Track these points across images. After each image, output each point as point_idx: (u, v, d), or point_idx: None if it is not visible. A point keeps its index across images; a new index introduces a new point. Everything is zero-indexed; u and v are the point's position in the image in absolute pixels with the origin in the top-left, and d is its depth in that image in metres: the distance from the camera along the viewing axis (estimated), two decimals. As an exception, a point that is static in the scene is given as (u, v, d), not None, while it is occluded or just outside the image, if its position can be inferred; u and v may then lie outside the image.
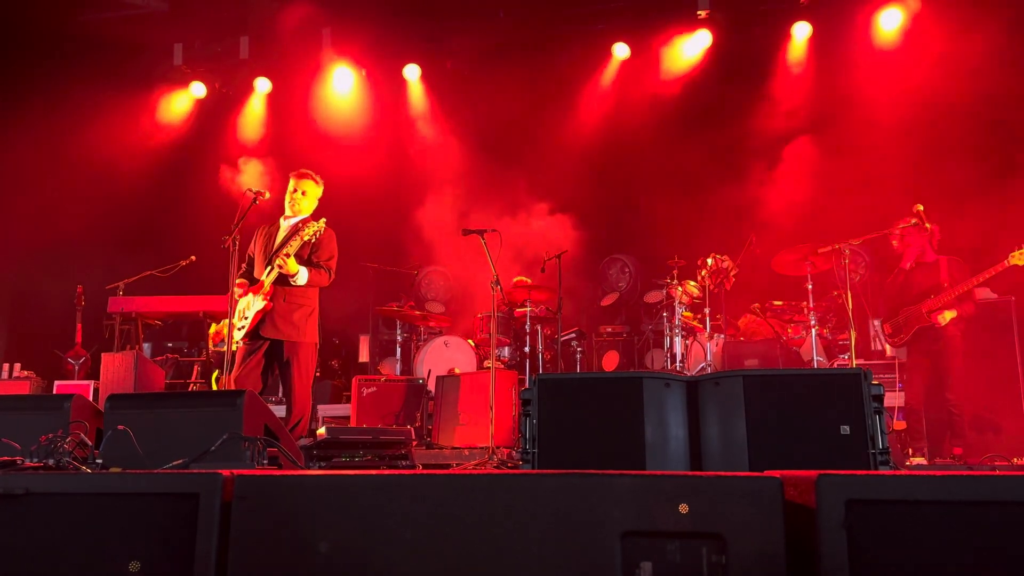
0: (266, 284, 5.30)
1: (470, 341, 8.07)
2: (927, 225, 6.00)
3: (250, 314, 5.30)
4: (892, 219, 6.30)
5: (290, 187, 5.55)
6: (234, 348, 5.28)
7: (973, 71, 7.33)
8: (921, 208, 6.01)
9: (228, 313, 5.30)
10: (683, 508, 2.04)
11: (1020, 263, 5.82)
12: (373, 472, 2.37)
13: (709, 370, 7.14)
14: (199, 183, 8.89)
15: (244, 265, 5.57)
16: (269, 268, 5.33)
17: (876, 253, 7.94)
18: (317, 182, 5.62)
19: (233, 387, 5.09)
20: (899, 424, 6.31)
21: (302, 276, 5.29)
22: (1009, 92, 7.35)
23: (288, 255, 5.22)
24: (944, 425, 6.09)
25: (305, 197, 5.54)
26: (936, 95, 7.54)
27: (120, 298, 7.97)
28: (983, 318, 6.30)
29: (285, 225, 5.54)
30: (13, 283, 8.66)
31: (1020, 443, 6.00)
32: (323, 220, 5.36)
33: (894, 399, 6.40)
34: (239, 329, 5.30)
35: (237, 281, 5.36)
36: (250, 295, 5.34)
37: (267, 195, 5.49)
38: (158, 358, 8.44)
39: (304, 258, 5.34)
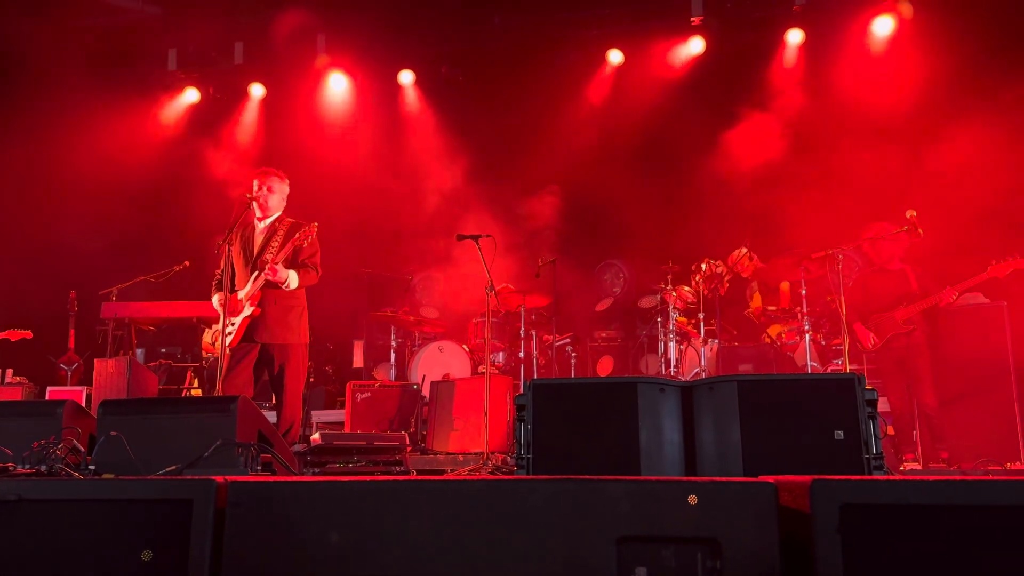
0: (252, 289, 5.28)
1: (465, 346, 8.06)
2: (919, 231, 6.03)
3: (237, 320, 5.28)
4: (885, 225, 6.33)
5: (255, 188, 5.50)
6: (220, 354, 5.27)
7: (966, 77, 7.38)
8: (914, 214, 6.04)
9: (220, 319, 5.28)
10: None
11: (1000, 275, 5.89)
12: (367, 478, 2.37)
13: (703, 375, 7.15)
14: (192, 188, 8.87)
15: (219, 272, 5.54)
16: (256, 273, 5.31)
17: (866, 257, 7.96)
18: (282, 178, 5.59)
19: (223, 393, 5.07)
20: (892, 429, 6.33)
21: (293, 280, 5.30)
22: (1001, 96, 7.39)
23: (277, 263, 5.20)
24: (925, 430, 6.15)
25: (273, 194, 5.51)
26: (929, 101, 7.58)
27: (113, 303, 7.93)
28: (976, 323, 6.32)
29: (260, 226, 5.52)
30: (5, 289, 8.61)
31: (1012, 447, 6.02)
32: (315, 224, 5.36)
33: (887, 404, 6.42)
34: (227, 335, 5.28)
35: (219, 295, 5.32)
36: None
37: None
38: (151, 364, 8.40)
39: (290, 260, 5.34)
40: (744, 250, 7.55)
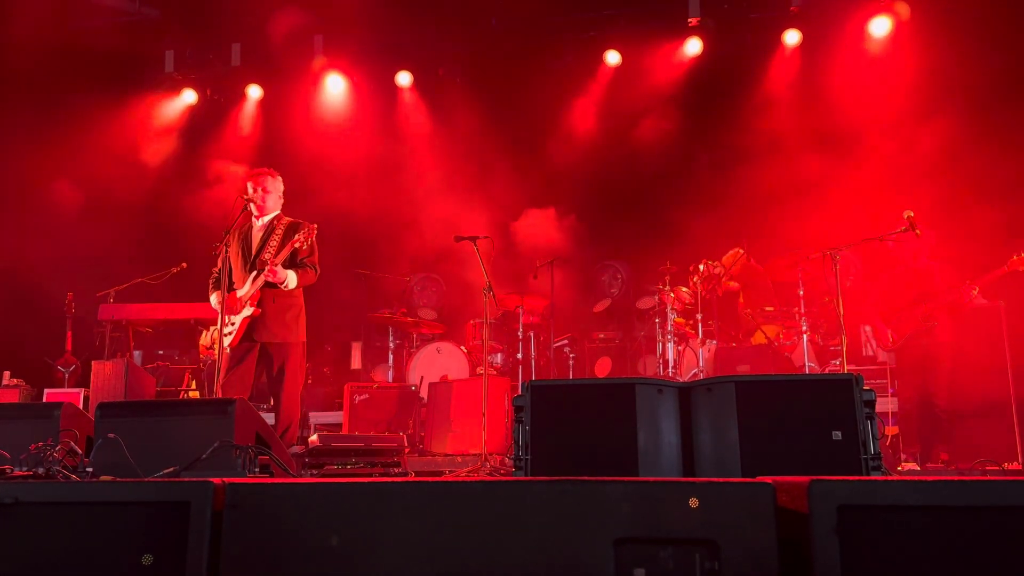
0: (251, 289, 5.28)
1: (462, 347, 8.06)
2: (916, 231, 6.02)
3: (237, 320, 5.28)
4: (883, 224, 6.33)
5: (249, 190, 5.48)
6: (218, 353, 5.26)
7: (961, 78, 7.39)
8: (911, 214, 6.04)
9: (218, 319, 5.27)
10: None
11: (1021, 268, 5.87)
12: (365, 480, 2.37)
13: (701, 376, 7.15)
14: (190, 190, 8.86)
15: (215, 271, 5.53)
16: (256, 273, 5.31)
17: (867, 259, 7.98)
18: (274, 176, 5.57)
19: (220, 394, 5.06)
20: (891, 429, 6.33)
21: (292, 281, 5.29)
22: (996, 98, 7.41)
23: (277, 264, 5.19)
24: (932, 429, 6.14)
25: (269, 193, 5.50)
26: (925, 102, 7.59)
27: (110, 305, 7.91)
28: (972, 323, 6.32)
29: (258, 224, 5.51)
30: (2, 290, 8.60)
31: (1009, 448, 6.02)
32: (315, 226, 5.35)
33: (886, 404, 6.42)
34: (226, 335, 5.28)
35: (217, 293, 5.33)
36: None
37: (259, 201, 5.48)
38: (149, 366, 8.39)
39: (288, 260, 5.33)
40: (736, 250, 7.56)
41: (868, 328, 7.35)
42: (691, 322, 7.47)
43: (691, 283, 7.49)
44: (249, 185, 5.51)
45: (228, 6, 8.40)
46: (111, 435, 3.11)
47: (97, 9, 8.72)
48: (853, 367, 6.72)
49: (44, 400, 7.24)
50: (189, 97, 9.54)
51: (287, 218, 5.54)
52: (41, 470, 2.74)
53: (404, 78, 9.36)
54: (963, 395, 6.13)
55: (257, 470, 3.30)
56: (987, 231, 6.76)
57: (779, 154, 8.25)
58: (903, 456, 6.18)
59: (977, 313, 6.38)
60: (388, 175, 9.33)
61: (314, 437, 5.56)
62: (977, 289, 6.02)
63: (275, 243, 5.37)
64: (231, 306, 5.28)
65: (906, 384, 6.34)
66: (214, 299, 5.45)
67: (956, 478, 1.96)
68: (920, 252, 6.32)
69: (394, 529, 2.19)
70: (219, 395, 5.03)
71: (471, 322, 8.19)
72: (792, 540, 2.00)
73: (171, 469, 3.03)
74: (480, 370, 6.86)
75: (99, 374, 6.81)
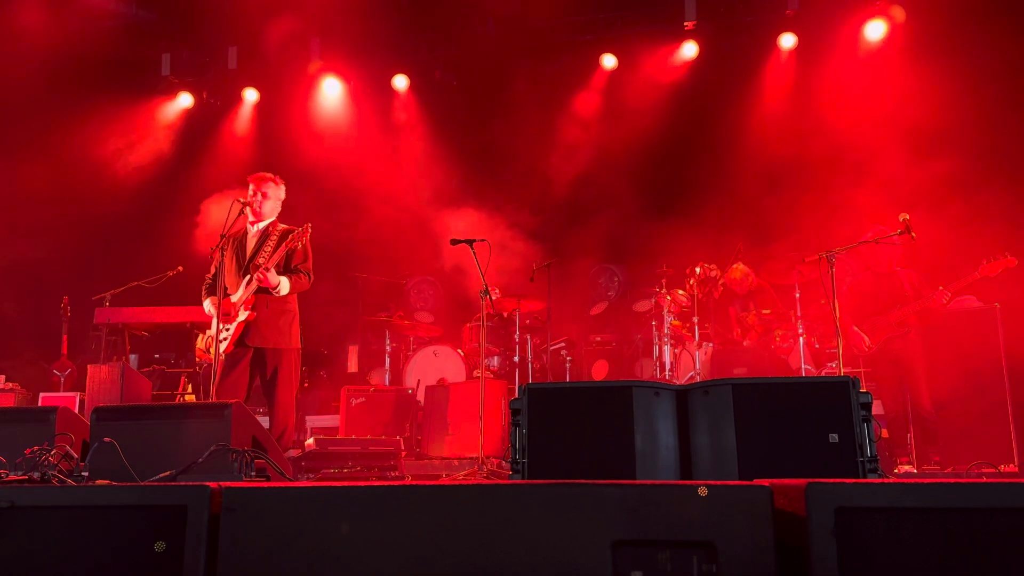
0: (245, 294, 5.26)
1: (459, 351, 8.05)
2: (912, 234, 6.03)
3: (232, 325, 5.27)
4: (879, 227, 6.35)
5: (249, 192, 5.48)
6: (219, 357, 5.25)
7: (958, 79, 7.42)
8: (907, 217, 6.05)
9: (214, 324, 5.26)
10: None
11: (991, 274, 5.92)
12: (362, 484, 2.36)
13: (698, 379, 7.15)
14: (187, 193, 8.84)
15: (208, 276, 5.52)
16: (249, 278, 5.29)
17: (863, 261, 7.99)
18: (277, 183, 5.57)
19: (216, 399, 5.04)
20: (887, 432, 6.35)
21: (284, 287, 5.26)
22: (993, 100, 7.43)
23: (268, 268, 5.17)
24: (919, 433, 6.16)
25: (267, 199, 5.49)
26: (922, 104, 7.61)
27: (106, 309, 7.90)
28: (969, 326, 6.33)
29: (253, 230, 5.50)
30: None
31: (1005, 450, 6.03)
32: (309, 225, 5.34)
33: (882, 407, 6.43)
34: (222, 340, 5.26)
35: (211, 299, 5.32)
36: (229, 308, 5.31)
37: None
38: (145, 369, 8.38)
39: (282, 265, 5.32)
40: (742, 266, 7.55)
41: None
42: (688, 325, 7.48)
43: (688, 286, 7.50)
44: (251, 187, 5.50)
45: (225, 9, 8.39)
46: (107, 439, 3.10)
47: (94, 12, 8.71)
48: (850, 370, 6.72)
49: (40, 404, 7.22)
50: (185, 100, 9.54)
51: (283, 225, 5.53)
52: (37, 474, 2.73)
53: (400, 81, 9.37)
54: (952, 398, 6.14)
55: (253, 474, 3.30)
56: (981, 232, 6.78)
57: (775, 156, 8.27)
58: (898, 459, 6.18)
59: (972, 315, 6.38)
60: (384, 178, 9.33)
61: (310, 441, 5.56)
62: (949, 296, 6.04)
63: (269, 249, 5.36)
64: (225, 311, 5.27)
65: (887, 389, 6.37)
66: (207, 304, 5.44)
67: (953, 480, 1.97)
68: (891, 259, 6.35)
69: (391, 533, 2.19)
70: (215, 399, 5.02)
71: (468, 325, 8.19)
72: (789, 542, 2.00)
73: (167, 473, 3.03)
74: (477, 373, 6.86)
75: (95, 378, 6.80)
